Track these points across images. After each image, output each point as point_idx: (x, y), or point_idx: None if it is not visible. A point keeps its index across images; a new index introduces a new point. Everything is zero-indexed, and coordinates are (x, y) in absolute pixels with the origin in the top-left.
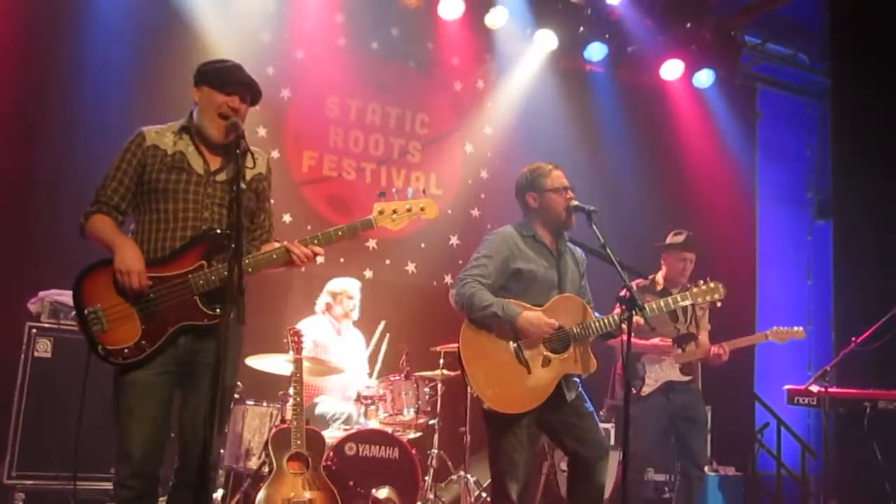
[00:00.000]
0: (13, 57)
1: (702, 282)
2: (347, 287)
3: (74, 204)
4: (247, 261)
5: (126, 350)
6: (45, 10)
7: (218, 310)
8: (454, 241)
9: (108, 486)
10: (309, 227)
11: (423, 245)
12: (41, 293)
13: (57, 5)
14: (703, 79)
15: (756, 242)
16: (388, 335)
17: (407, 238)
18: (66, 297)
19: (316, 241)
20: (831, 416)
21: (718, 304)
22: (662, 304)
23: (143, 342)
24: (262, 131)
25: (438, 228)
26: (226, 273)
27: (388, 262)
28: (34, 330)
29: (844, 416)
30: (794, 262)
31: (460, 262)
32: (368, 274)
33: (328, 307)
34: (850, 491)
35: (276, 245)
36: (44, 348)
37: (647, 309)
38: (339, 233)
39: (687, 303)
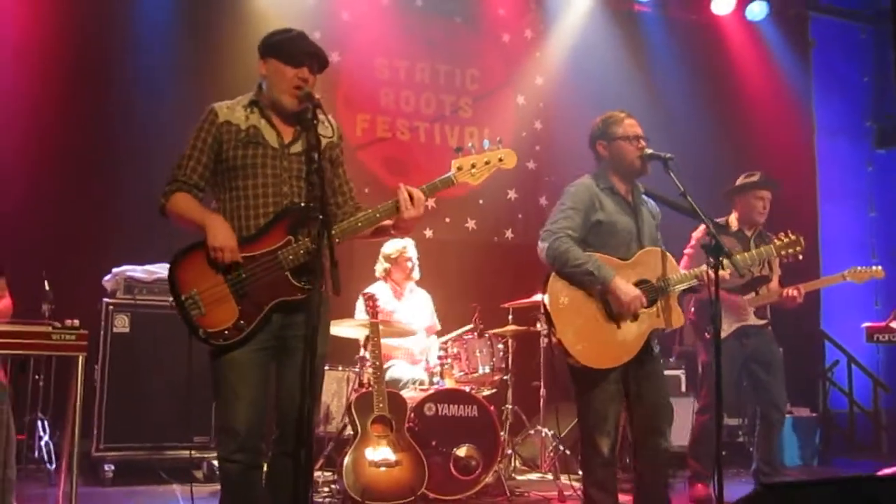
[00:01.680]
0: (79, 41)
1: (783, 234)
2: (401, 247)
3: (141, 182)
4: (335, 230)
5: (226, 331)
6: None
7: (307, 282)
8: (512, 195)
9: (190, 455)
10: (367, 191)
11: (481, 201)
12: (115, 270)
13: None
14: (756, 10)
15: (816, 177)
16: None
17: (465, 195)
18: (139, 272)
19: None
20: None
21: (800, 258)
22: (749, 256)
23: (242, 322)
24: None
25: (495, 183)
26: (314, 246)
27: (447, 220)
28: (111, 306)
29: None
30: (855, 195)
31: (520, 216)
32: (429, 233)
33: (387, 273)
34: None
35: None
36: (122, 324)
37: (738, 259)
38: (425, 190)
39: (772, 256)
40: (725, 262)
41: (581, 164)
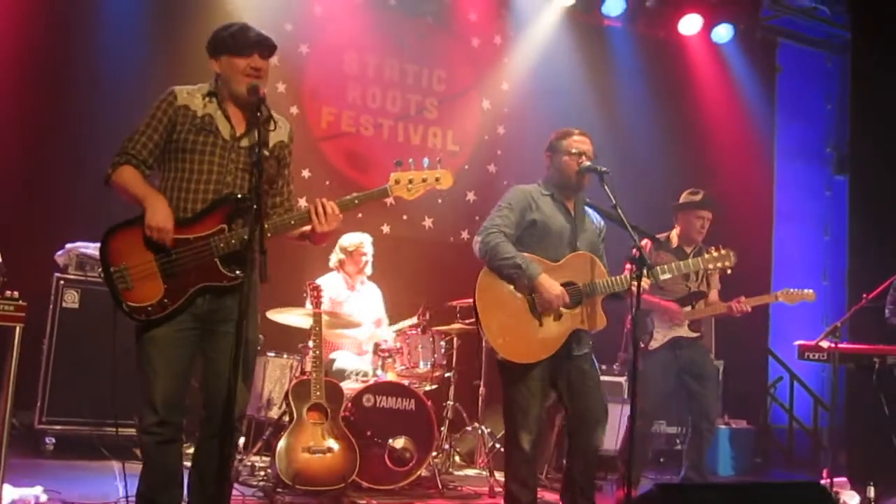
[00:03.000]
0: (39, 16)
1: (713, 249)
2: (358, 241)
3: (97, 159)
4: (267, 224)
5: (149, 307)
6: None
7: (237, 272)
8: (471, 196)
9: (133, 431)
10: (327, 183)
11: (440, 201)
12: (68, 245)
13: None
14: (722, 33)
15: (773, 198)
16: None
17: (425, 194)
18: (91, 249)
19: (332, 206)
20: (841, 371)
21: (728, 272)
22: (674, 267)
23: (166, 300)
24: (281, 87)
25: (455, 184)
26: (245, 237)
27: (405, 217)
28: (62, 281)
29: (854, 372)
30: (811, 218)
31: (477, 217)
32: (386, 229)
33: (341, 263)
34: (860, 444)
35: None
36: (71, 299)
37: (658, 270)
38: (356, 200)
39: (699, 269)
40: (648, 273)
41: (540, 171)
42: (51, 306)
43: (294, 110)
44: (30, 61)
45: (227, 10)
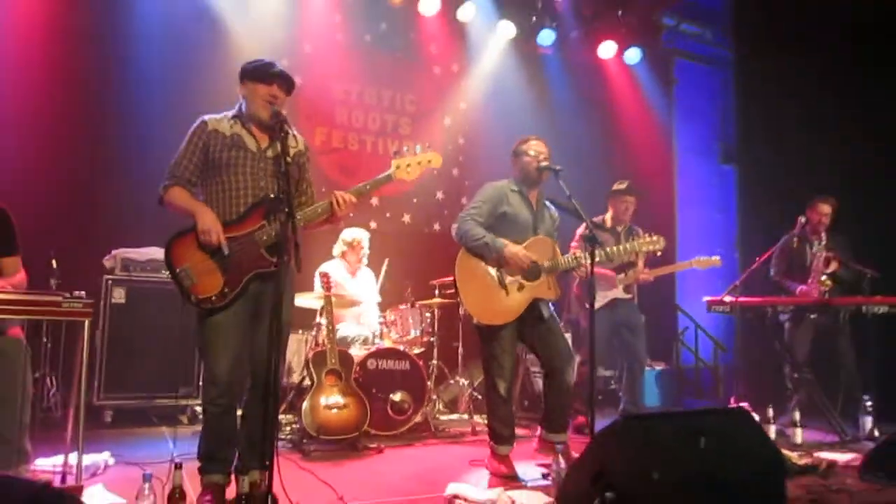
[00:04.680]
0: (92, 38)
1: (647, 234)
2: (359, 237)
3: (139, 175)
4: (298, 216)
5: (213, 297)
6: (103, 17)
7: (277, 258)
8: (439, 195)
9: (176, 403)
10: (323, 190)
11: (415, 200)
12: (113, 251)
13: (111, 14)
14: (632, 56)
15: (675, 185)
16: (385, 267)
17: (402, 195)
18: (134, 253)
19: (349, 195)
20: (736, 320)
21: (658, 254)
22: (620, 249)
23: (226, 290)
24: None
25: (427, 186)
26: (281, 229)
27: (388, 214)
28: (110, 281)
29: (750, 319)
30: (705, 200)
31: (445, 212)
32: (373, 225)
33: (343, 254)
34: (755, 377)
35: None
36: (119, 296)
37: (610, 249)
38: (368, 186)
39: (636, 250)
40: (598, 250)
41: (493, 172)
42: (102, 302)
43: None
44: (81, 96)
45: (235, 48)
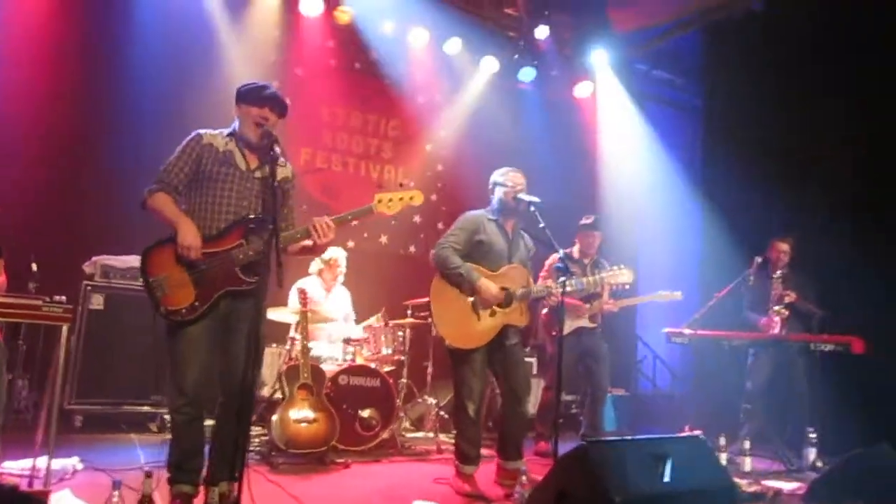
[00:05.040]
0: (75, 44)
1: (617, 267)
2: (336, 256)
3: (121, 184)
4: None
5: (183, 310)
6: (97, 27)
7: (252, 277)
8: (417, 219)
9: (148, 409)
10: (304, 207)
11: (393, 222)
12: (94, 258)
13: (105, 24)
14: (606, 97)
15: (643, 222)
16: (380, 316)
17: (381, 217)
18: (113, 260)
19: (329, 221)
20: (693, 351)
21: (626, 287)
22: (591, 280)
23: (197, 303)
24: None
25: (405, 209)
26: (260, 248)
27: (365, 235)
28: (89, 287)
29: (706, 351)
30: (672, 235)
31: (422, 235)
32: (351, 244)
33: (320, 271)
34: (708, 406)
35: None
36: (97, 302)
37: (577, 281)
38: (349, 216)
39: (607, 281)
40: (570, 280)
41: (470, 199)
42: (79, 307)
43: (278, 150)
44: (67, 105)
45: (229, 69)
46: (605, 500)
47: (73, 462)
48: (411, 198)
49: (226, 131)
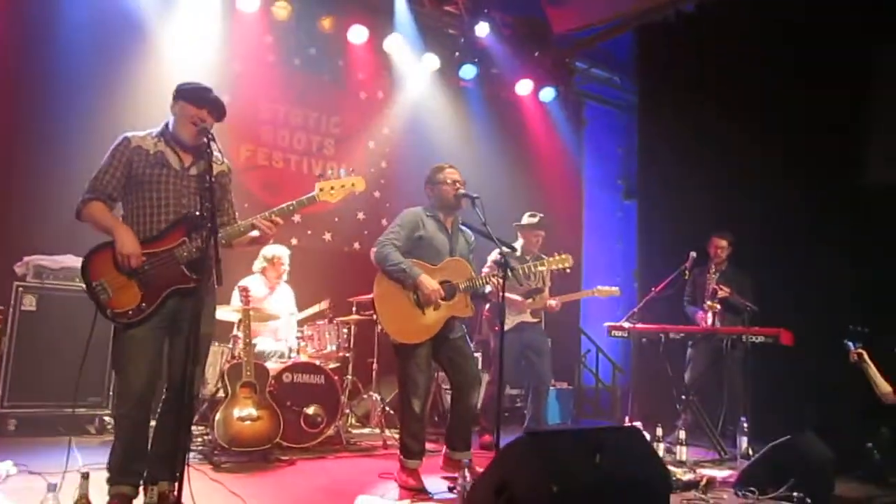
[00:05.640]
0: (14, 53)
1: (556, 253)
2: (279, 253)
3: (54, 182)
4: (221, 233)
5: (130, 312)
6: (28, 20)
7: (198, 275)
8: (361, 216)
9: (86, 412)
10: (246, 205)
11: (336, 219)
12: (26, 258)
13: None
14: (546, 94)
15: (582, 217)
16: (323, 309)
17: (324, 213)
18: (47, 261)
19: (273, 215)
20: (634, 344)
21: (567, 271)
22: (527, 268)
23: (143, 304)
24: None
25: (348, 206)
26: (203, 245)
27: (309, 232)
28: (21, 288)
29: (646, 344)
30: (609, 232)
31: (366, 232)
32: (294, 241)
33: (263, 269)
34: (648, 398)
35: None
36: (29, 303)
37: (522, 269)
38: (291, 207)
39: (544, 269)
40: (510, 273)
41: (413, 195)
42: (11, 309)
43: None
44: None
45: (165, 65)
46: (544, 488)
47: (5, 466)
48: (353, 184)
49: (154, 131)
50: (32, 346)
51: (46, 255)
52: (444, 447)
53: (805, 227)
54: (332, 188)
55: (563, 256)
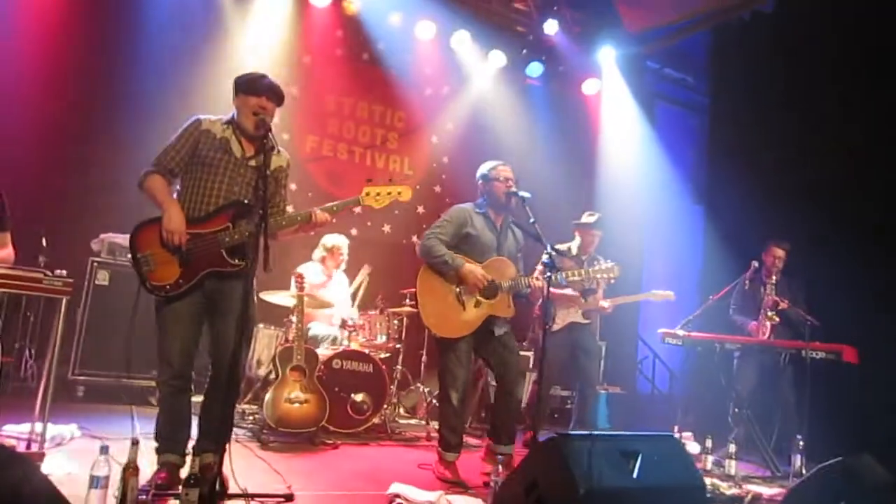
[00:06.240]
0: (85, 28)
1: (605, 262)
2: (339, 243)
3: (127, 165)
4: (271, 222)
5: (168, 286)
6: (107, 11)
7: (237, 260)
8: (420, 209)
9: (148, 383)
10: (309, 195)
11: (396, 212)
12: (101, 235)
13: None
14: (616, 94)
15: (648, 220)
16: (367, 278)
17: (389, 204)
18: (120, 239)
19: (317, 212)
20: (692, 352)
21: (612, 282)
22: (577, 272)
23: (181, 281)
24: (276, 118)
25: (410, 199)
26: (245, 233)
27: (369, 223)
28: (95, 263)
29: (701, 353)
30: (675, 236)
31: (424, 226)
32: (354, 231)
33: (323, 259)
34: (702, 408)
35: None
36: (102, 278)
37: (565, 274)
38: (335, 208)
39: (591, 275)
40: (555, 275)
41: (473, 192)
42: (85, 282)
43: (286, 136)
44: (83, 87)
45: (238, 57)
46: (571, 490)
47: (70, 429)
48: (399, 193)
49: (225, 118)
50: (103, 319)
51: (120, 234)
52: (488, 440)
53: (869, 239)
54: (377, 194)
55: (610, 266)
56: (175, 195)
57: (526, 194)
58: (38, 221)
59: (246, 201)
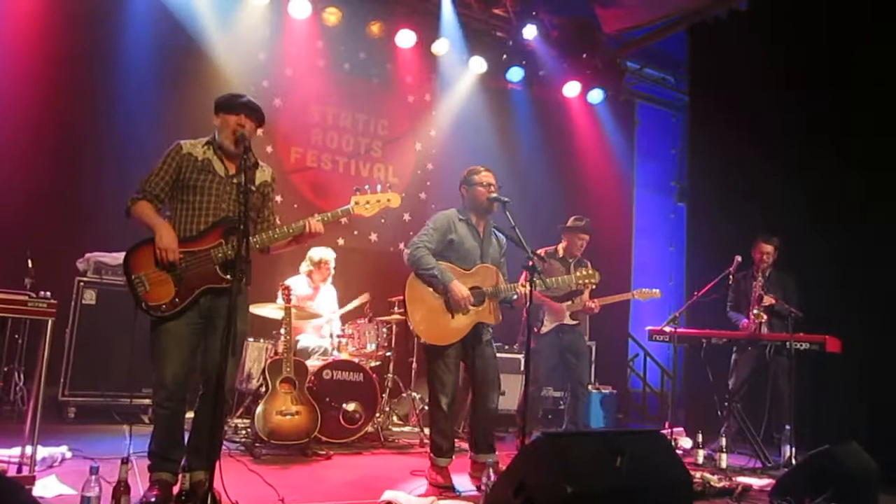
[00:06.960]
0: (70, 46)
1: (585, 269)
2: (326, 257)
3: (113, 185)
4: (255, 239)
5: (163, 306)
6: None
7: (231, 276)
8: (406, 217)
9: (140, 402)
10: (295, 206)
11: (382, 220)
12: (87, 254)
13: (97, 28)
14: (595, 96)
15: (633, 220)
16: (366, 303)
17: (378, 212)
18: (107, 258)
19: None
20: (680, 349)
21: (593, 287)
22: (558, 280)
23: (177, 300)
24: (259, 131)
25: (395, 207)
26: (235, 247)
27: (356, 232)
28: (82, 283)
29: (688, 349)
30: (660, 235)
31: (411, 233)
32: (341, 241)
33: (310, 272)
34: (694, 404)
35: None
36: (89, 297)
37: (548, 281)
38: (326, 217)
39: (572, 282)
40: (538, 280)
41: (458, 198)
42: (72, 302)
43: (269, 149)
44: (65, 106)
45: (217, 70)
46: (559, 489)
47: (61, 450)
48: (388, 200)
49: (205, 140)
50: (91, 339)
51: (106, 252)
52: (469, 451)
53: (855, 230)
54: (367, 202)
55: (591, 272)
56: (164, 218)
57: (506, 199)
58: (23, 243)
59: (235, 217)
